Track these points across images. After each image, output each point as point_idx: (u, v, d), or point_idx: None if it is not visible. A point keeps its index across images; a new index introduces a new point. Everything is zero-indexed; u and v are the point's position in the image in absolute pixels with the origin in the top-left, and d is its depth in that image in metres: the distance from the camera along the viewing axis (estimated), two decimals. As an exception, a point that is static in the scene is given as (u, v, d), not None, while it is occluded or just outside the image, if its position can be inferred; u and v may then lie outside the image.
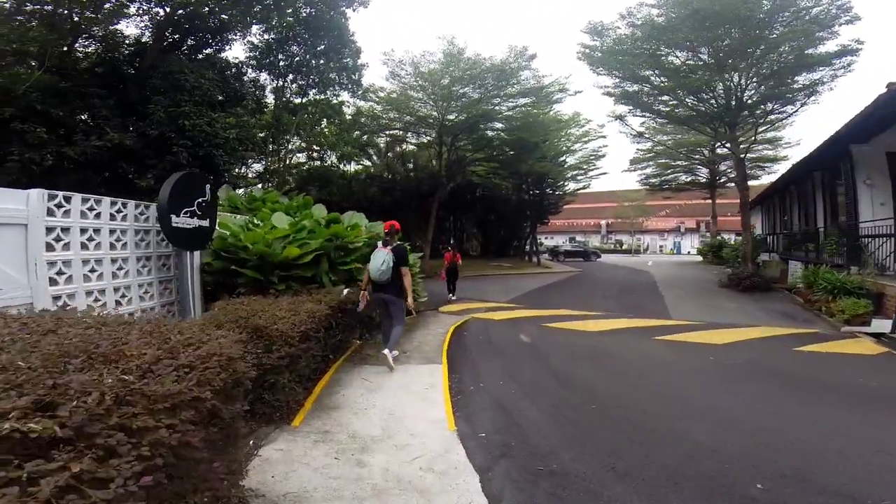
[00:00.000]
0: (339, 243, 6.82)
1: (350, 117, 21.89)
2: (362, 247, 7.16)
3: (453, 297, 12.71)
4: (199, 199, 5.64)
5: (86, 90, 11.88)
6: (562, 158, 29.30)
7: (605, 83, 20.49)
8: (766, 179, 43.21)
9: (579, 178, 30.17)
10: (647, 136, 26.82)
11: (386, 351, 5.57)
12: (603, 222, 55.63)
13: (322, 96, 21.48)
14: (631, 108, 21.63)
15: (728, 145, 19.42)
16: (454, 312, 10.34)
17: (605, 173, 38.00)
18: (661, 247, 54.14)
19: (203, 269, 5.81)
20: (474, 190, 30.19)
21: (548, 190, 29.32)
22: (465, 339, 7.78)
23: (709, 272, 23.89)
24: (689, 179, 35.15)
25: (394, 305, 5.67)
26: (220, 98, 13.64)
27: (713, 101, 18.23)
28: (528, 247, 32.25)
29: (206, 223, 5.70)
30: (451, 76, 21.13)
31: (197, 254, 5.60)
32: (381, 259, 5.42)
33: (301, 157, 23.57)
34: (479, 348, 7.25)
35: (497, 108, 22.07)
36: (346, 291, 5.89)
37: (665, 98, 20.37)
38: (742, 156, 18.64)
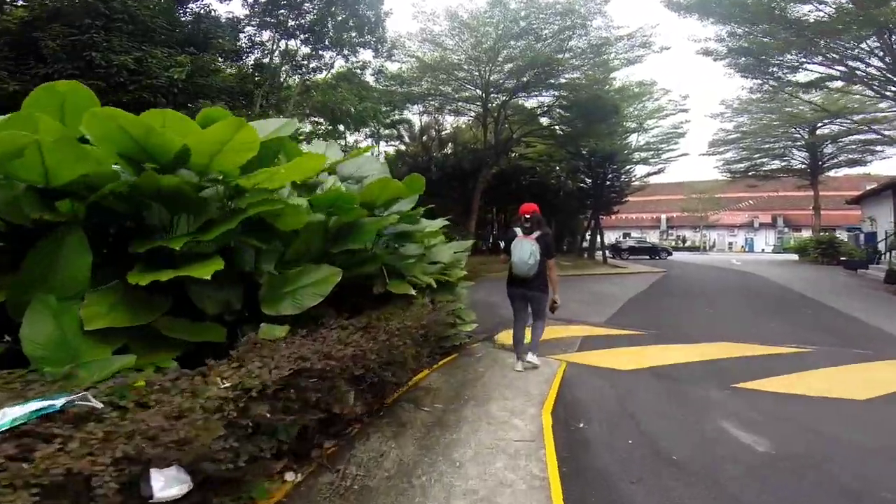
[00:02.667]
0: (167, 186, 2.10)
1: (373, 78, 17.32)
2: (300, 212, 2.43)
3: None
4: None
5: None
6: (627, 139, 23.72)
7: (703, 35, 15.19)
8: (885, 167, 35.59)
9: (651, 160, 24.39)
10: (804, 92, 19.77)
11: (531, 357, 4.50)
12: (663, 216, 48.74)
13: (341, 59, 17.10)
14: (739, 67, 15.93)
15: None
16: (527, 347, 5.48)
17: (685, 154, 31.50)
18: (730, 244, 46.79)
19: None
20: (521, 177, 24.99)
21: (609, 175, 23.73)
22: (607, 473, 2.83)
23: (834, 273, 17.83)
24: (780, 165, 28.52)
25: (538, 302, 4.51)
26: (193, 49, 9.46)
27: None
28: (586, 242, 26.79)
29: None
30: (498, 28, 16.22)
31: None
32: (527, 251, 4.24)
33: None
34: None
35: (558, 67, 16.88)
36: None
37: (790, 58, 14.63)
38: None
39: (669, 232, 48.92)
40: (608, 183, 23.69)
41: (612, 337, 6.22)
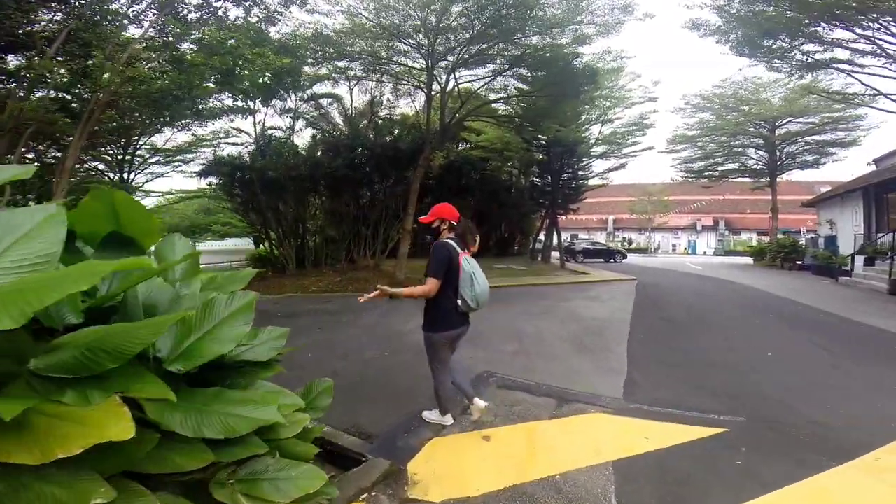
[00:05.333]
0: None
1: (275, 30, 12.85)
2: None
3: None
4: None
5: None
6: (589, 130, 20.68)
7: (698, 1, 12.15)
8: (827, 171, 35.29)
9: (612, 155, 21.49)
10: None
11: (427, 414, 3.27)
12: (610, 218, 47.11)
13: (238, 10, 12.47)
14: (731, 43, 12.96)
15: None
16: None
17: (650, 148, 28.74)
18: (673, 246, 45.90)
19: None
20: (471, 171, 21.24)
21: (567, 170, 20.57)
22: None
23: (813, 280, 15.52)
24: (736, 165, 26.77)
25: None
26: None
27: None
28: (537, 244, 23.64)
29: None
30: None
31: None
32: (483, 274, 2.97)
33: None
34: None
35: (525, 24, 13.14)
36: None
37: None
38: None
39: (616, 234, 47.42)
40: (564, 179, 20.59)
41: (676, 458, 2.48)
